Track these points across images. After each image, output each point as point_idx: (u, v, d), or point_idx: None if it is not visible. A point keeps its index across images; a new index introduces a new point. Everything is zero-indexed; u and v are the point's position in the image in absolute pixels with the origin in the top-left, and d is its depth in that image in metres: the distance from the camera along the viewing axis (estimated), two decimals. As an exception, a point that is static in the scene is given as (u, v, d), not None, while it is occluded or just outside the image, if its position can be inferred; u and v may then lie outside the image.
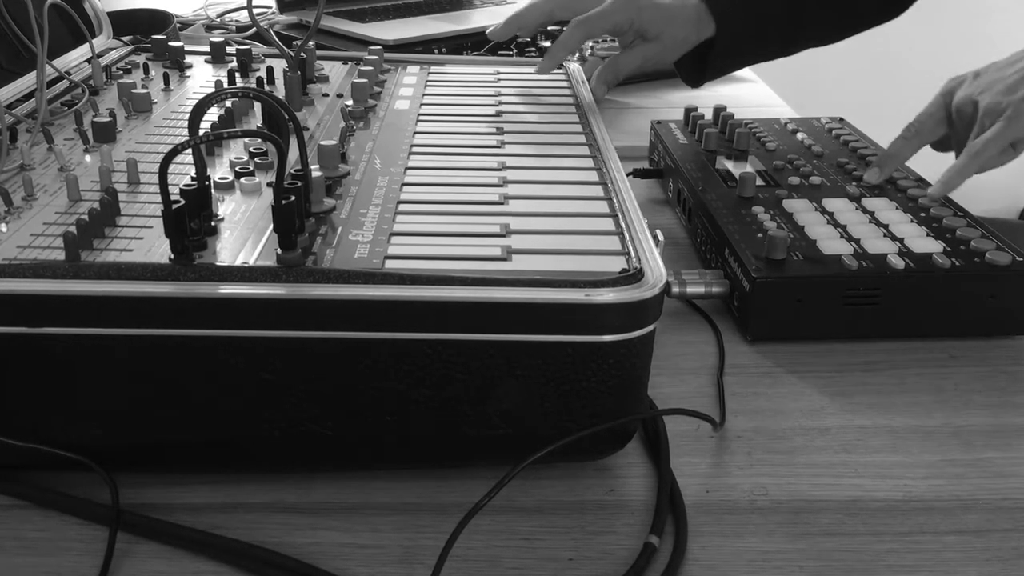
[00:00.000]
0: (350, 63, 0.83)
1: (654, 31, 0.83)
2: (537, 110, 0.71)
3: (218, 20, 1.40)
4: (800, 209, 0.66)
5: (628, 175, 0.63)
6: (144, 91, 0.68)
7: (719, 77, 0.91)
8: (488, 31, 0.87)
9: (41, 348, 0.42)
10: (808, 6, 0.87)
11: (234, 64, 0.79)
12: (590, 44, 1.15)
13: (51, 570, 0.42)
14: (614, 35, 0.88)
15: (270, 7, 1.32)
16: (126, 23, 1.15)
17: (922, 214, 0.66)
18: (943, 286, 0.59)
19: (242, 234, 0.47)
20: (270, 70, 0.75)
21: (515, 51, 1.15)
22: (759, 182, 0.71)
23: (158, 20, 1.21)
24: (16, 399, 0.44)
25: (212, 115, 0.64)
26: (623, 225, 0.50)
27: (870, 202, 0.68)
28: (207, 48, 0.83)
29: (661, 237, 0.49)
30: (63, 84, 0.71)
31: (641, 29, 0.84)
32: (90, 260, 0.44)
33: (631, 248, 0.47)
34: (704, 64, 0.87)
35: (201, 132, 0.45)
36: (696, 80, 0.90)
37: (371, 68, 0.75)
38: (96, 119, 0.61)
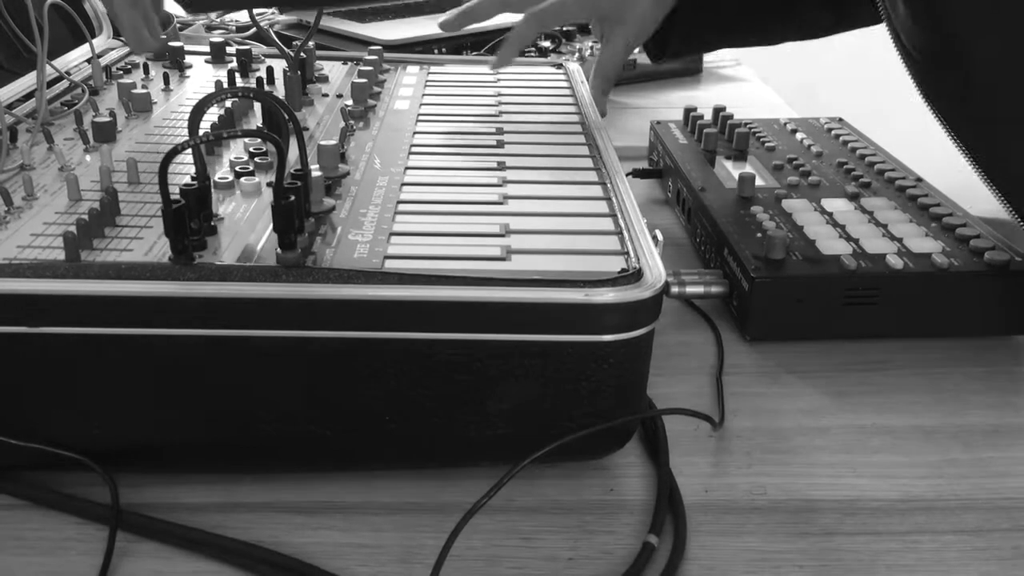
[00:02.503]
0: (350, 63, 0.83)
1: (617, 13, 0.80)
2: (536, 110, 0.71)
3: (218, 20, 1.40)
4: (799, 209, 0.66)
5: (627, 175, 0.63)
6: (144, 91, 0.68)
7: (683, 56, 0.88)
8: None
9: (41, 348, 0.42)
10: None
11: (234, 64, 0.79)
12: (590, 44, 1.15)
13: (51, 570, 0.42)
14: (576, 23, 0.85)
15: (270, 7, 1.32)
16: (126, 23, 1.15)
17: (921, 214, 0.66)
18: (942, 286, 0.59)
19: (242, 234, 0.47)
20: (270, 70, 0.75)
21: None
22: (758, 182, 0.71)
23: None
24: (16, 399, 0.44)
25: (212, 115, 0.64)
26: (622, 225, 0.50)
27: (869, 202, 0.68)
28: (207, 48, 0.83)
29: (660, 237, 0.49)
30: (63, 84, 0.71)
31: (603, 14, 0.81)
32: (90, 260, 0.44)
33: (630, 248, 0.47)
34: (667, 38, 0.85)
35: (201, 132, 0.45)
36: (657, 54, 0.88)
37: (371, 68, 0.75)
38: (96, 119, 0.61)
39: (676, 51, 0.87)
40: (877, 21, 0.86)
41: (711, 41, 0.94)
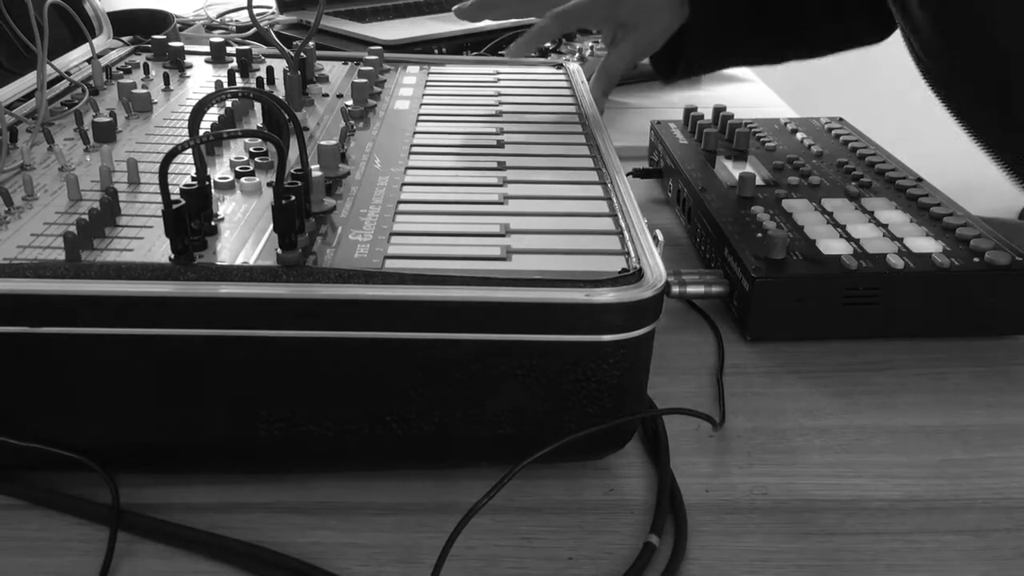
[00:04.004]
0: (350, 63, 0.83)
1: (634, 21, 0.82)
2: (537, 110, 0.71)
3: (218, 20, 1.40)
4: (800, 209, 0.66)
5: (628, 175, 0.63)
6: (144, 91, 0.68)
7: (693, 74, 0.89)
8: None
9: (41, 348, 0.42)
10: (793, 14, 0.85)
11: (234, 64, 0.79)
12: (590, 44, 1.15)
13: (51, 570, 0.42)
14: (595, 28, 0.86)
15: (270, 7, 1.32)
16: (126, 23, 1.15)
17: (921, 214, 0.66)
18: (943, 286, 0.59)
19: (242, 234, 0.47)
20: (270, 70, 0.75)
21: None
22: (759, 182, 0.71)
23: (158, 20, 1.21)
24: (16, 399, 0.44)
25: (212, 115, 0.64)
26: (623, 225, 0.50)
27: (869, 202, 0.68)
28: (207, 48, 0.83)
29: (661, 237, 0.49)
30: (63, 84, 0.71)
31: (620, 21, 0.83)
32: (90, 260, 0.44)
33: (631, 248, 0.47)
34: (677, 61, 0.85)
35: (201, 132, 0.45)
36: (668, 74, 0.89)
37: (371, 68, 0.75)
38: (96, 119, 0.61)
39: (687, 70, 0.88)
40: (880, 39, 0.86)
41: (721, 61, 0.94)
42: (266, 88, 0.73)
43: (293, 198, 0.44)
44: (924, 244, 0.61)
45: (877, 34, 0.88)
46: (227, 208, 0.50)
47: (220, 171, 0.55)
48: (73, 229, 0.45)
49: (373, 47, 0.82)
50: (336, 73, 0.79)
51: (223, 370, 0.43)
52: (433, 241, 0.48)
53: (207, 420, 0.45)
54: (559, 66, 0.85)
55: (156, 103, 0.69)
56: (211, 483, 0.47)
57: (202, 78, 0.77)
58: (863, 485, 0.48)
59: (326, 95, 0.73)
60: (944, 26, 0.61)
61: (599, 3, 0.82)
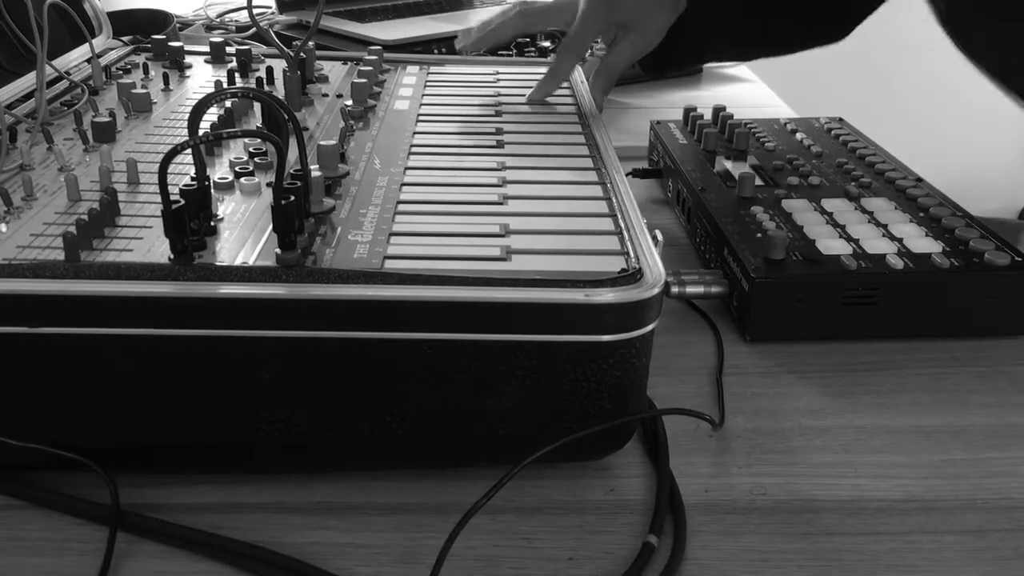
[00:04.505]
0: (350, 63, 0.83)
1: (632, 21, 0.83)
2: (536, 110, 0.71)
3: (218, 20, 1.40)
4: (799, 209, 0.66)
5: (627, 175, 0.63)
6: (144, 91, 0.68)
7: (681, 68, 0.89)
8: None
9: (41, 348, 0.42)
10: (771, 9, 0.87)
11: (234, 64, 0.79)
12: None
13: (51, 570, 0.42)
14: (597, 34, 0.87)
15: (270, 7, 1.32)
16: (126, 23, 1.15)
17: (921, 214, 0.66)
18: (942, 286, 0.59)
19: (242, 234, 0.47)
20: (270, 70, 0.75)
21: (515, 51, 1.15)
22: (758, 182, 0.71)
23: (158, 20, 1.21)
24: (16, 399, 0.44)
25: (212, 115, 0.64)
26: (622, 225, 0.50)
27: (869, 202, 0.68)
28: (207, 48, 0.83)
29: (660, 237, 0.49)
30: (63, 84, 0.71)
31: (620, 23, 0.84)
32: (90, 260, 0.44)
33: (630, 248, 0.47)
34: (668, 53, 0.86)
35: (201, 132, 0.45)
36: (656, 70, 0.90)
37: (371, 68, 0.75)
38: (96, 119, 0.61)
39: (679, 63, 0.88)
40: (840, 37, 0.88)
41: (709, 54, 0.95)
42: (266, 88, 0.73)
43: (292, 198, 0.44)
44: (924, 244, 0.61)
45: (838, 33, 0.90)
46: (226, 208, 0.50)
47: (219, 171, 0.55)
48: (72, 229, 0.45)
49: (373, 47, 0.82)
50: (336, 73, 0.79)
51: (222, 370, 0.43)
52: (433, 241, 0.48)
53: (207, 420, 0.45)
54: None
55: (156, 103, 0.69)
56: (211, 483, 0.47)
57: (202, 78, 0.77)
58: (863, 485, 0.48)
59: (326, 95, 0.73)
60: None
61: (598, 10, 0.82)
